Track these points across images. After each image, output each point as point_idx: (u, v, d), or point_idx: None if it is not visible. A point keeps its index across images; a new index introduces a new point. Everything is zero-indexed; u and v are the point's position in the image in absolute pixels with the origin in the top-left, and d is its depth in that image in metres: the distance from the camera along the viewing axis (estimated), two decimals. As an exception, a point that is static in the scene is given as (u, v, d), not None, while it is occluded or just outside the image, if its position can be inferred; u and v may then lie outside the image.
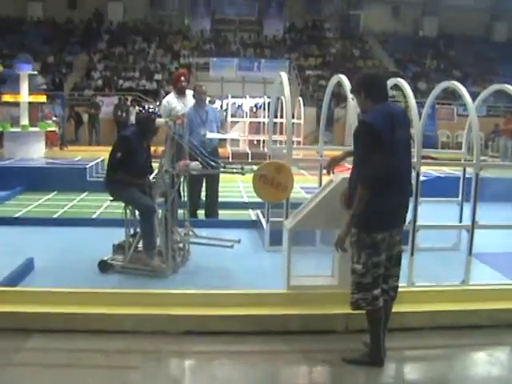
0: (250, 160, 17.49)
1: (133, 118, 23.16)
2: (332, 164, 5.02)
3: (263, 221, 8.02)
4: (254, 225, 8.76)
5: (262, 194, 5.52)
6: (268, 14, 35.80)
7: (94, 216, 9.57)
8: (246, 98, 24.21)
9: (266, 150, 18.61)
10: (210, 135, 8.53)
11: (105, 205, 10.41)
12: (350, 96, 5.65)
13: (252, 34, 35.32)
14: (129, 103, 24.07)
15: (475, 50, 36.59)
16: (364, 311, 4.56)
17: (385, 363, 4.54)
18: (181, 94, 8.74)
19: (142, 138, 6.44)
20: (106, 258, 6.36)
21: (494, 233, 6.32)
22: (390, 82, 6.74)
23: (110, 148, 6.50)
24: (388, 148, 4.27)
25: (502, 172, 10.65)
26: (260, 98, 25.35)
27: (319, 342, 4.96)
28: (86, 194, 11.66)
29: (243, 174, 6.10)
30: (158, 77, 28.94)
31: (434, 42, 37.26)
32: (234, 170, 6.24)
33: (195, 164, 6.33)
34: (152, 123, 6.34)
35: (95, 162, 13.31)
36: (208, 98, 9.14)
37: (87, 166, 12.52)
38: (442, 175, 12.21)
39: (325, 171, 5.23)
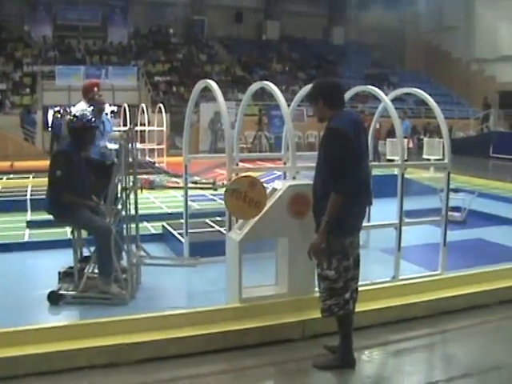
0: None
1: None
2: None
3: (175, 233, 7.83)
4: (158, 238, 8.51)
5: (233, 209, 5.24)
6: (112, 19, 34.92)
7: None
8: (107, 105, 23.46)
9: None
10: (110, 146, 8.16)
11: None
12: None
13: (97, 41, 34.31)
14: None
15: (316, 52, 38.38)
16: (324, 317, 4.63)
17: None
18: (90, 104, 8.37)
19: (80, 150, 5.93)
20: (54, 289, 5.75)
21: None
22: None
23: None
24: (357, 154, 4.37)
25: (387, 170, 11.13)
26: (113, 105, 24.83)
27: (283, 352, 4.92)
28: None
29: (216, 190, 5.83)
30: (1, 86, 27.21)
31: (278, 45, 38.53)
32: (206, 185, 5.93)
33: (159, 179, 5.98)
34: (88, 132, 5.89)
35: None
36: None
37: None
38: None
39: None
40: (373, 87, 6.56)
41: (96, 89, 8.26)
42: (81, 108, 8.14)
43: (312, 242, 4.43)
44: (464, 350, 5.06)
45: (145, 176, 5.95)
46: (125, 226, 5.96)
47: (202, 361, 4.74)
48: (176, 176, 6.54)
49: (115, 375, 4.49)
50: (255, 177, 5.35)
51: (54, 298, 5.67)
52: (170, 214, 9.89)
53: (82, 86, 8.72)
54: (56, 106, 28.11)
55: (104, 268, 5.74)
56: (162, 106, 19.57)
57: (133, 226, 6.06)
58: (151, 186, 5.80)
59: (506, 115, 33.13)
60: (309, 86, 6.46)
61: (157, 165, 17.98)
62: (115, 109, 24.40)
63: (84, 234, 6.20)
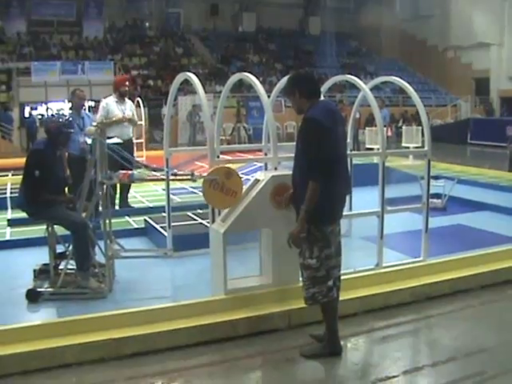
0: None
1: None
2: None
3: (157, 227, 7.81)
4: (140, 232, 8.48)
5: (212, 199, 5.28)
6: (87, 14, 34.68)
7: None
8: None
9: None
10: (89, 141, 8.14)
11: None
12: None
13: (72, 36, 34.03)
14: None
15: (293, 43, 38.40)
16: (308, 305, 4.68)
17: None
18: (121, 98, 9.01)
19: (55, 149, 5.91)
20: (31, 287, 5.71)
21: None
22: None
23: None
24: (334, 143, 4.41)
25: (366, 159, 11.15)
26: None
27: (270, 342, 4.94)
28: None
29: (194, 181, 5.83)
30: (-23, 83, 26.97)
31: (254, 36, 38.49)
32: (185, 177, 5.91)
33: (137, 173, 5.94)
34: (64, 134, 5.84)
35: None
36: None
37: None
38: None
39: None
40: (352, 76, 6.59)
41: (127, 83, 8.84)
42: (106, 102, 9.04)
43: (291, 230, 4.47)
44: (448, 335, 5.12)
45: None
46: (101, 220, 5.96)
47: (190, 353, 4.74)
48: (156, 170, 6.51)
49: (104, 371, 4.47)
50: (231, 167, 5.38)
51: (33, 296, 5.63)
52: (151, 207, 9.88)
53: (113, 81, 9.36)
54: (33, 103, 27.93)
55: (82, 263, 5.73)
56: (139, 99, 19.42)
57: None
58: (130, 179, 5.79)
59: (482, 102, 33.52)
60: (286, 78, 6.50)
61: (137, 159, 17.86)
62: (93, 104, 24.19)
63: (59, 230, 6.16)
